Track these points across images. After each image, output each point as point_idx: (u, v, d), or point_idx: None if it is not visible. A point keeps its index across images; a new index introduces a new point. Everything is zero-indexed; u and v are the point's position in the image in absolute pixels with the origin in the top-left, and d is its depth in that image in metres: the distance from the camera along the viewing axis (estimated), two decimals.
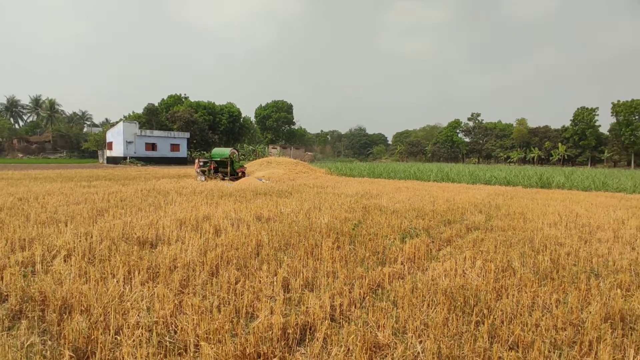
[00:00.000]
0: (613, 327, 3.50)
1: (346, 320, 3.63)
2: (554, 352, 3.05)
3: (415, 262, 5.58)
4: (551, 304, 4.01)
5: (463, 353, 3.05)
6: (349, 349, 3.06)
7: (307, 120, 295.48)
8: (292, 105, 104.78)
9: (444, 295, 4.12)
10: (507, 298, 4.11)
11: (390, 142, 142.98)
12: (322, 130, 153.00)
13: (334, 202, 11.35)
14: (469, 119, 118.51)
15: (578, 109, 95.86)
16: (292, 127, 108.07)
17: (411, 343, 3.16)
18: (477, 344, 3.15)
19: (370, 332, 3.31)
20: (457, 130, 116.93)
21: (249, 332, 3.26)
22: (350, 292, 4.20)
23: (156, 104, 70.66)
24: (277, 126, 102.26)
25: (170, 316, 3.50)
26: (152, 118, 60.97)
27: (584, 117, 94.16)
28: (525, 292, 4.32)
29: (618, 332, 3.41)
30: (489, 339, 3.26)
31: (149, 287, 4.16)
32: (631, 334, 3.38)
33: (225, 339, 3.08)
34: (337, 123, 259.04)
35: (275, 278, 4.51)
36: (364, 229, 7.46)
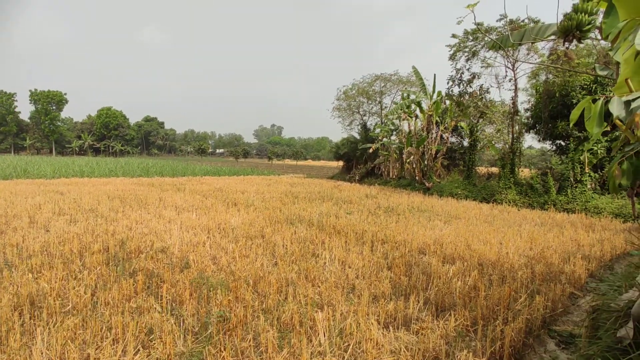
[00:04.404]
0: (23, 314, 3.49)
1: None
2: None
3: None
4: None
5: None
6: None
7: None
8: None
9: None
10: None
11: None
12: None
13: None
14: None
15: None
16: None
17: None
18: None
19: None
20: None
21: None
22: None
23: None
24: None
25: None
26: None
27: (3, 102, 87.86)
28: None
29: (26, 316, 3.42)
30: None
31: None
32: (40, 314, 3.52)
33: None
34: None
35: None
36: None
